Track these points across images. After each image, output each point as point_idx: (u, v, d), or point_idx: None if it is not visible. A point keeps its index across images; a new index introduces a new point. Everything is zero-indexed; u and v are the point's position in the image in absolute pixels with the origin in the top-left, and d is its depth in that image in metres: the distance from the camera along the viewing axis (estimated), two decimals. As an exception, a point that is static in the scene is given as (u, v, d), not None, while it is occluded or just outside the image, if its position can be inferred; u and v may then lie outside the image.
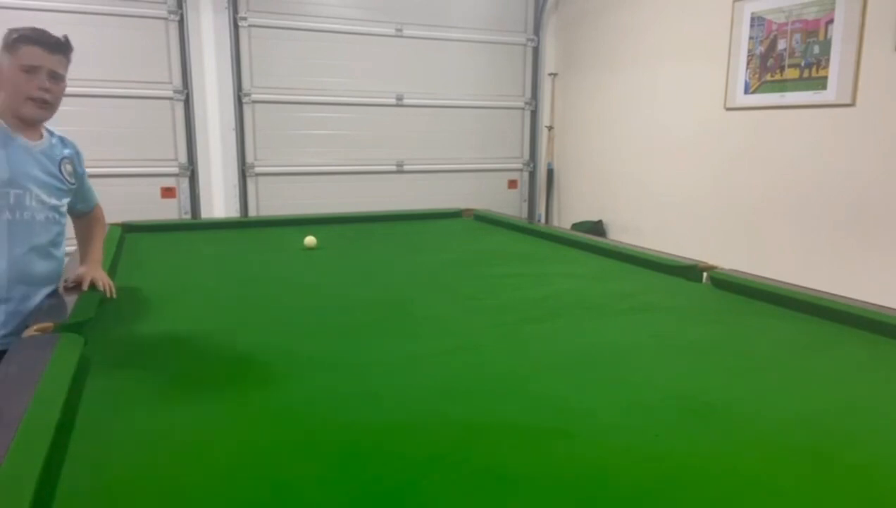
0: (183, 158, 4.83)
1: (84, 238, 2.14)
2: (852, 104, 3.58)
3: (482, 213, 3.85)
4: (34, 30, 1.76)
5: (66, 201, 1.95)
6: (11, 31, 1.75)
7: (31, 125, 1.82)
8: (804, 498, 0.97)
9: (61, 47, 1.78)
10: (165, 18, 4.64)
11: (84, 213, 2.12)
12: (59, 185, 1.89)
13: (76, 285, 1.92)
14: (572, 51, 5.74)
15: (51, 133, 1.93)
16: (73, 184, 1.96)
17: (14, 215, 1.77)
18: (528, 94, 5.97)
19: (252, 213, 5.07)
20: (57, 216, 1.91)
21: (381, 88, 5.35)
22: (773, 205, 4.07)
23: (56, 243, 1.92)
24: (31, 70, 1.72)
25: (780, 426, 1.21)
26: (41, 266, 1.86)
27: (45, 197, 1.84)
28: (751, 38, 4.11)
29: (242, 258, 2.82)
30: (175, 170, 4.80)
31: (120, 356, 1.53)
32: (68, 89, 1.86)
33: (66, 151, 1.95)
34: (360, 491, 0.97)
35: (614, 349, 1.65)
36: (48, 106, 1.79)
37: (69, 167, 1.94)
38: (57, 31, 1.81)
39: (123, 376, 1.42)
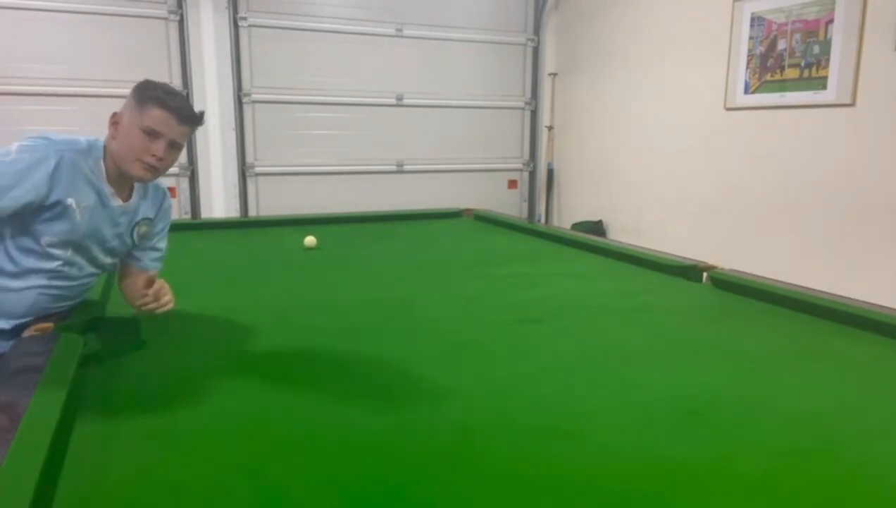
0: (183, 158, 4.83)
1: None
2: (852, 104, 3.58)
3: (482, 213, 3.85)
4: (171, 93, 1.58)
5: (118, 259, 1.76)
6: (147, 84, 1.57)
7: (130, 180, 1.65)
8: (804, 498, 0.97)
9: (193, 120, 1.61)
10: (165, 18, 4.64)
11: (136, 270, 1.77)
12: (121, 248, 1.72)
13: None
14: (572, 51, 5.74)
15: (147, 186, 1.73)
16: (138, 244, 1.76)
17: (62, 268, 1.60)
18: (528, 94, 5.97)
19: (252, 213, 5.07)
20: (100, 272, 1.76)
21: (381, 88, 5.35)
22: (773, 205, 4.07)
23: (83, 294, 1.75)
24: (152, 134, 1.54)
25: (780, 425, 1.21)
26: (57, 306, 1.68)
27: (101, 257, 1.67)
28: (751, 38, 4.11)
29: (242, 258, 2.82)
30: (175, 170, 4.80)
31: (120, 356, 1.53)
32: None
33: (149, 213, 1.75)
34: (359, 491, 0.97)
35: (614, 349, 1.65)
36: (156, 172, 1.60)
37: (143, 229, 1.74)
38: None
39: (123, 376, 1.42)
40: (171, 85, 1.60)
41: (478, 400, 1.32)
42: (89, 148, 1.58)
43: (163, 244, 1.83)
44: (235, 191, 5.00)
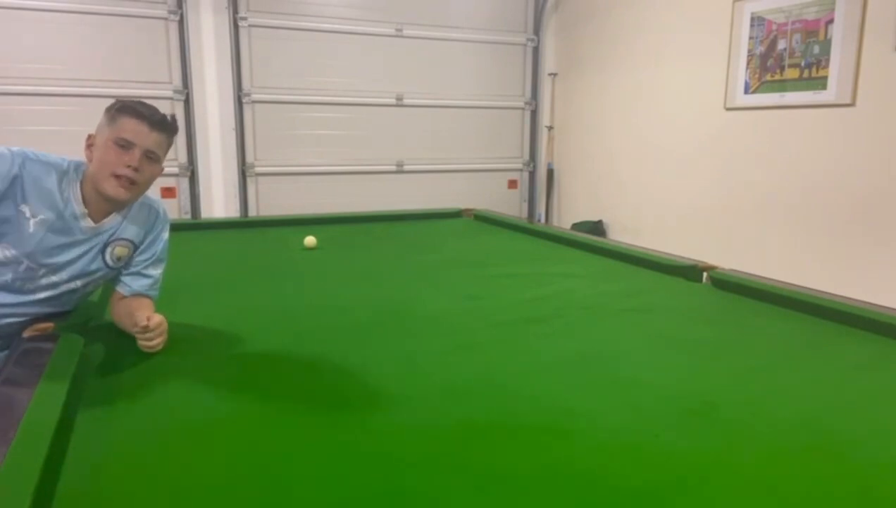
0: (183, 158, 4.83)
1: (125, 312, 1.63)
2: (852, 104, 3.58)
3: (482, 213, 3.85)
4: (139, 102, 1.54)
5: (94, 283, 1.68)
6: (118, 101, 1.55)
7: (109, 202, 1.57)
8: (804, 498, 0.97)
9: (165, 126, 1.55)
10: (165, 18, 4.64)
11: (123, 295, 1.68)
12: (95, 271, 1.62)
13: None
14: (572, 51, 5.74)
15: (131, 206, 1.64)
16: (115, 268, 1.65)
17: (13, 281, 1.53)
18: (528, 94, 5.97)
19: (252, 213, 5.07)
20: (73, 297, 1.65)
21: (381, 88, 5.35)
22: (772, 205, 4.07)
23: (57, 315, 1.64)
24: (125, 145, 1.49)
25: (780, 425, 1.21)
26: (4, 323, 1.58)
27: (63, 281, 1.58)
28: (751, 38, 4.11)
29: (242, 259, 2.82)
30: (175, 170, 4.80)
31: (120, 355, 1.53)
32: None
33: (130, 235, 1.64)
34: (359, 491, 0.97)
35: (614, 349, 1.65)
36: (133, 187, 1.53)
37: (120, 250, 1.63)
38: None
39: (124, 376, 1.42)
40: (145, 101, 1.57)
41: (478, 400, 1.32)
42: (68, 169, 1.54)
43: (154, 272, 1.70)
44: (235, 191, 5.00)
